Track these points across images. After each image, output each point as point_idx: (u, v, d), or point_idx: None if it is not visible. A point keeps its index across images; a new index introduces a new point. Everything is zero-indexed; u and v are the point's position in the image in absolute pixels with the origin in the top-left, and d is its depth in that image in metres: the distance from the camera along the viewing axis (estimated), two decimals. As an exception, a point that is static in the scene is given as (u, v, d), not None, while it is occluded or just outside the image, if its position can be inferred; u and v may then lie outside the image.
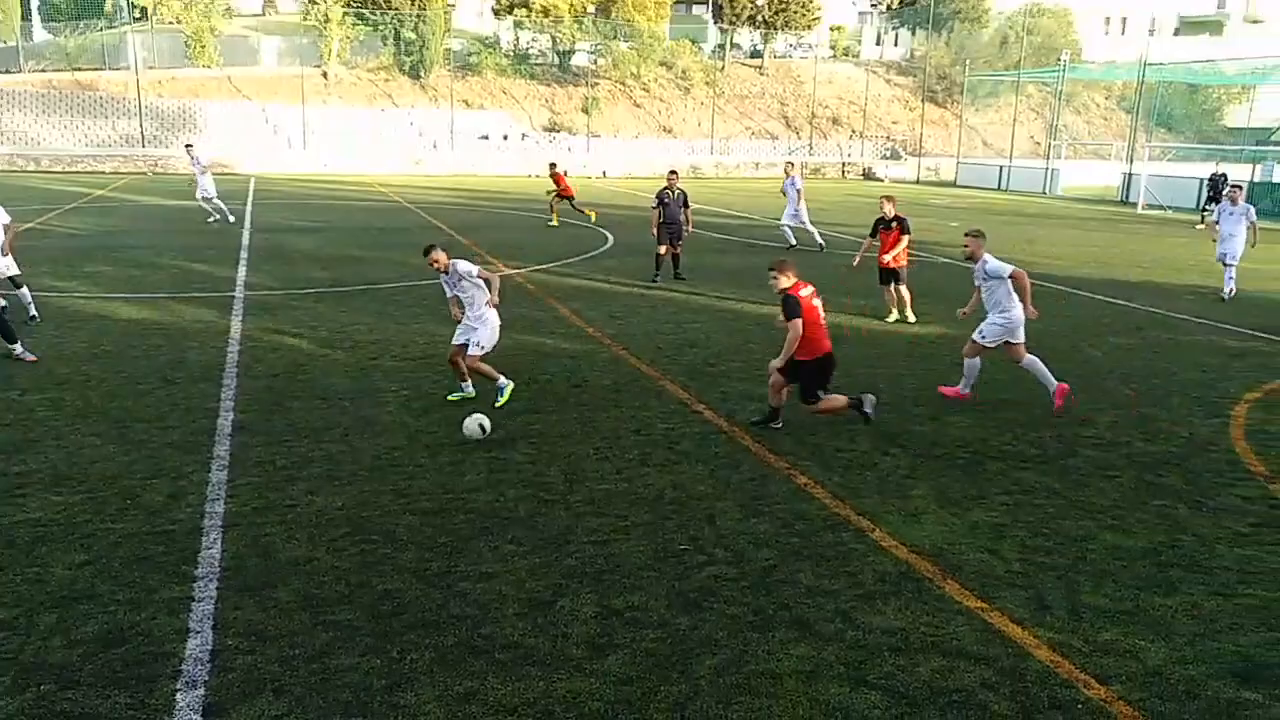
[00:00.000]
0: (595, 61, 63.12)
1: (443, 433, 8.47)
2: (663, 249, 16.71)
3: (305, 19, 56.64)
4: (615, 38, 62.60)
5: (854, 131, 62.95)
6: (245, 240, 20.86)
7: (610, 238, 22.91)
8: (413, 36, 56.17)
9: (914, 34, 74.65)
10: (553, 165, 26.46)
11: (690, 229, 17.43)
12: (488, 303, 9.05)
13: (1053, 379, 9.43)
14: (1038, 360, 9.55)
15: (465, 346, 9.10)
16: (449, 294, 9.32)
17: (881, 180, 54.30)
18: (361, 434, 8.41)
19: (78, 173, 41.01)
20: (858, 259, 14.45)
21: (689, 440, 8.47)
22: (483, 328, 9.11)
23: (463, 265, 9.05)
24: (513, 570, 5.93)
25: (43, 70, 53.44)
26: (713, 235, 23.73)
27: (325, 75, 54.96)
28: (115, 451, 7.85)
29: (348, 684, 4.71)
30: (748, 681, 4.78)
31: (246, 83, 53.03)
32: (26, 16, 62.29)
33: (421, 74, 57.13)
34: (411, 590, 5.65)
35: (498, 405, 9.10)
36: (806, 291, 8.34)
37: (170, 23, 55.70)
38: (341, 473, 7.48)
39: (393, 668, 4.86)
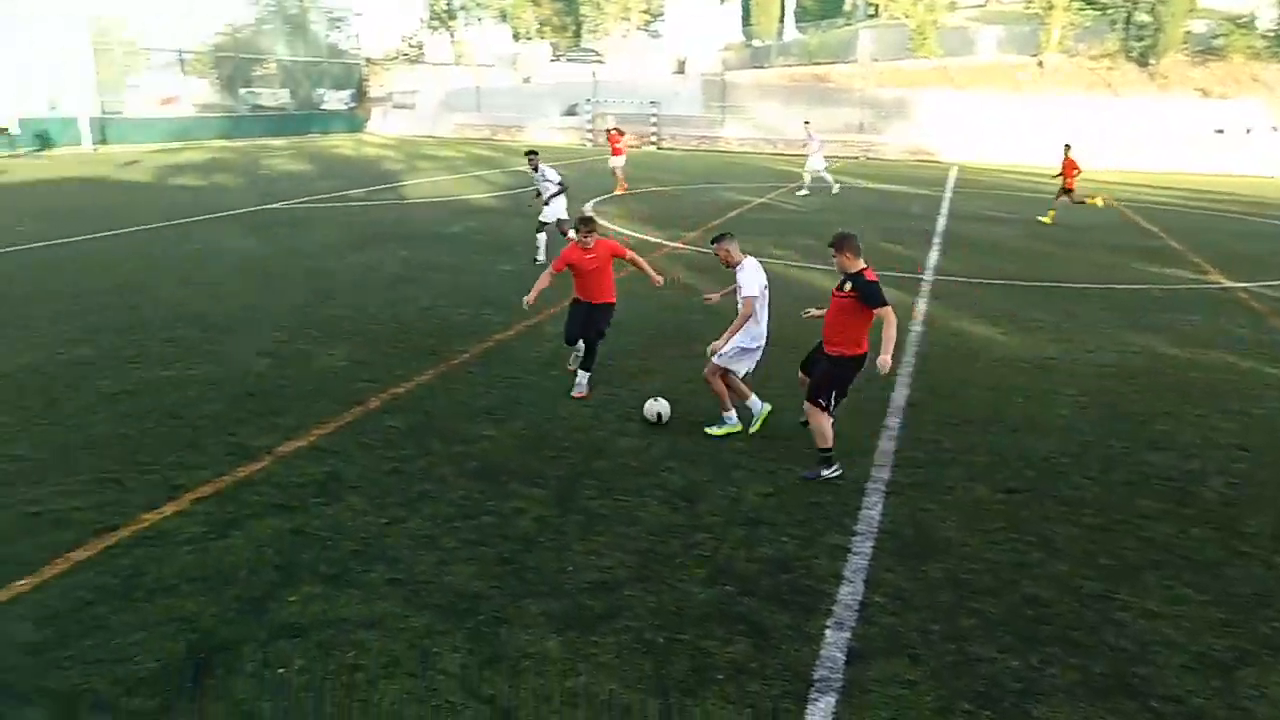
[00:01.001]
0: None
1: (1118, 448, 7.82)
2: None
3: (1028, 6, 55.64)
4: None
5: None
6: (940, 226, 21.47)
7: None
8: (1147, 19, 51.54)
9: None
10: (1068, 148, 23.11)
11: None
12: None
13: None
14: None
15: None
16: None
17: None
18: (1030, 432, 8.17)
19: (805, 155, 46.29)
20: None
21: None
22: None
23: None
24: (1186, 617, 5.28)
25: (788, 65, 61.03)
26: None
27: (1041, 64, 53.44)
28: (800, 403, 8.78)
29: (981, 675, 4.70)
30: None
31: (961, 73, 54.13)
32: (782, 18, 71.50)
33: (1151, 60, 52.22)
34: (1062, 603, 5.39)
35: (711, 432, 7.97)
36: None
37: (898, 18, 59.24)
38: (1005, 467, 7.38)
39: (1030, 674, 4.71)
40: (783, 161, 41.25)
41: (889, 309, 6.75)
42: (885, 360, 6.50)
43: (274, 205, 21.61)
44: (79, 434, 7.47)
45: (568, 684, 4.56)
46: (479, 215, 21.05)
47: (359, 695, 4.42)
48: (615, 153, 26.16)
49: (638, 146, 46.90)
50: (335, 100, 53.24)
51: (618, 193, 25.60)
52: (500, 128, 50.43)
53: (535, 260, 15.05)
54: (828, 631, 5.05)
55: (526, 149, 16.74)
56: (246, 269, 14.17)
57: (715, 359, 7.75)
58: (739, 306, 7.63)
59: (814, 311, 7.78)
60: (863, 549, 5.98)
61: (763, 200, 25.73)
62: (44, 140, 34.57)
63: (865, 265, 6.95)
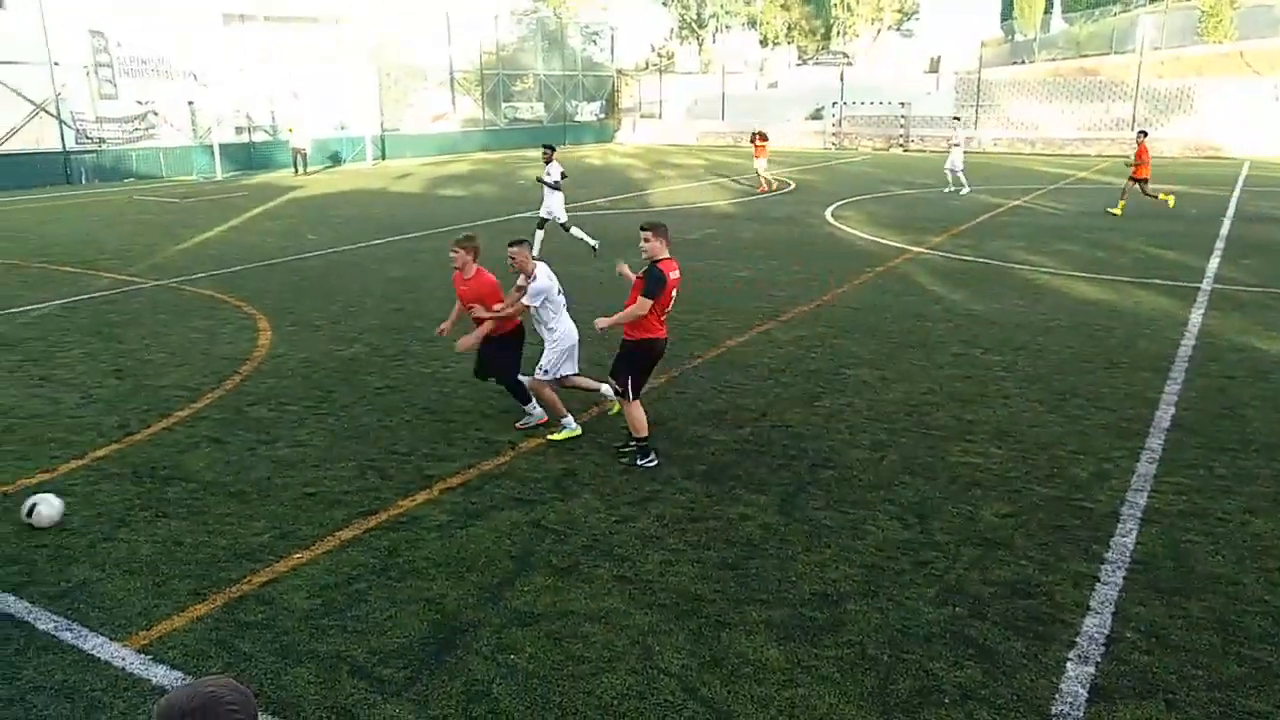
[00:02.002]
0: None
1: None
2: None
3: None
4: None
5: None
6: (1224, 230, 19.36)
7: None
8: None
9: None
10: (1142, 135, 21.08)
11: None
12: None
13: None
14: None
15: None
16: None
17: None
18: (1325, 462, 7.20)
19: (1065, 155, 43.14)
20: None
21: None
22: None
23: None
24: None
25: (1052, 59, 57.14)
26: None
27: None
28: (1051, 420, 8.22)
29: (1252, 731, 4.20)
30: None
31: (1259, 57, 48.43)
32: (1048, 10, 67.06)
33: None
34: (1357, 659, 4.71)
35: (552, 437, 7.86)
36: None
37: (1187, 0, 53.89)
38: (1291, 499, 6.55)
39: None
40: (1040, 162, 38.77)
41: (649, 303, 7.01)
42: (601, 322, 7.18)
43: (526, 214, 22.92)
44: (349, 424, 8.26)
45: (787, 694, 4.52)
46: (718, 221, 21.30)
47: (583, 686, 4.60)
48: (757, 156, 27.26)
49: (885, 149, 45.66)
50: (587, 112, 55.64)
51: (760, 192, 26.76)
52: (745, 133, 50.77)
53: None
54: (1069, 664, 4.70)
55: (544, 143, 17.91)
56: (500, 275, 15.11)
57: (539, 374, 7.80)
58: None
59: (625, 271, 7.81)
60: (1113, 579, 5.51)
61: (1017, 203, 24.28)
62: (334, 158, 38.54)
63: (670, 258, 7.14)
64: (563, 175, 16.83)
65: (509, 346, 8.10)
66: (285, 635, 5.04)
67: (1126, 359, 10.09)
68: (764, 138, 27.58)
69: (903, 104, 45.25)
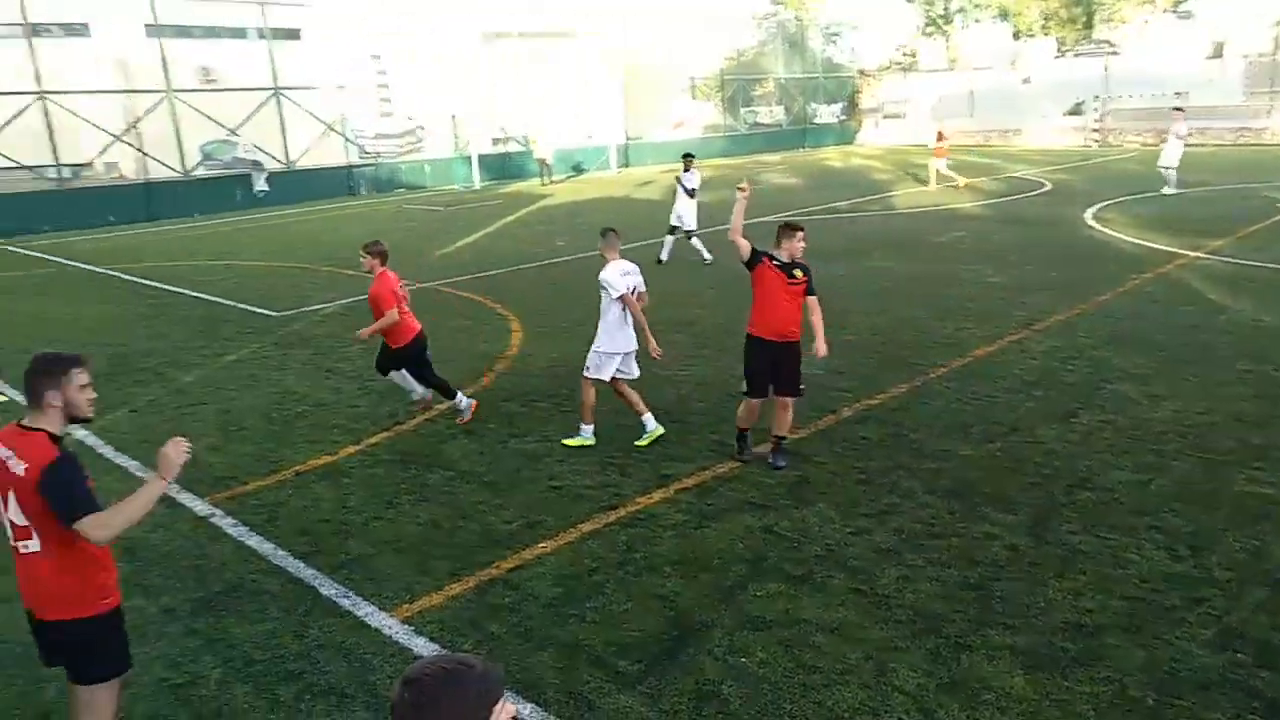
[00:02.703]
0: None
1: None
2: None
3: None
4: None
5: None
6: None
7: None
8: None
9: None
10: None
11: None
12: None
13: None
14: None
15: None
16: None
17: None
18: None
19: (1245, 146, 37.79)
20: None
21: None
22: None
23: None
24: None
25: (1367, 35, 50.14)
26: None
27: None
28: None
29: None
30: None
31: None
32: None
33: None
34: None
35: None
36: None
37: None
38: None
39: None
40: (1351, 152, 34.13)
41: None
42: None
43: (763, 219, 22.90)
44: (595, 423, 8.58)
45: (1033, 727, 4.26)
46: (967, 224, 20.34)
47: (814, 697, 4.54)
48: (937, 154, 27.23)
49: (1156, 145, 41.85)
50: (827, 114, 54.79)
51: (930, 189, 26.90)
52: (993, 132, 48.17)
53: (659, 260, 16.37)
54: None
55: (684, 152, 17.89)
56: (737, 279, 15.15)
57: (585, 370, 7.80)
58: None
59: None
60: None
61: (1319, 200, 21.50)
62: (576, 168, 40.21)
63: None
64: (698, 184, 16.98)
65: (400, 348, 8.53)
66: (529, 620, 5.32)
67: None
68: (942, 136, 27.62)
69: (1177, 94, 41.24)
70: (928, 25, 69.04)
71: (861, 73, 58.28)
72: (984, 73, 54.09)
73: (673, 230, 17.05)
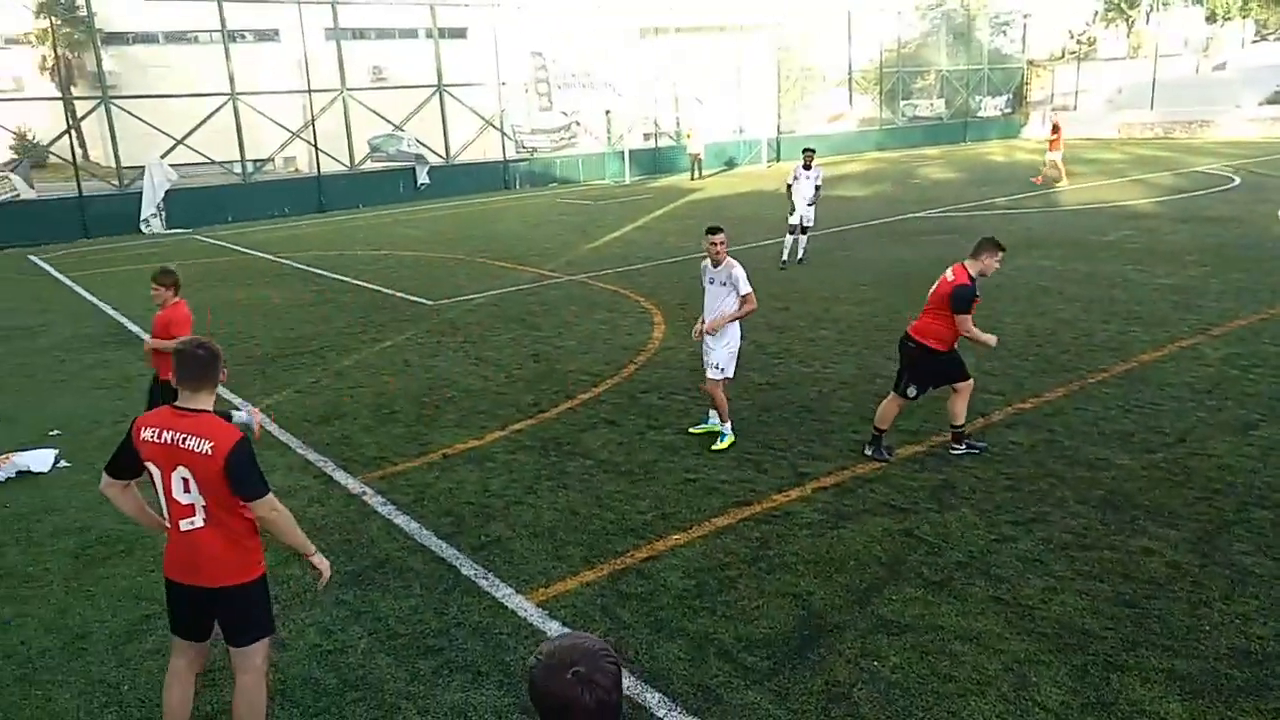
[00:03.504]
0: None
1: None
2: None
3: None
4: None
5: None
6: None
7: None
8: None
9: None
10: None
11: None
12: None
13: None
14: None
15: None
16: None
17: None
18: None
19: None
20: None
21: None
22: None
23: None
24: None
25: None
26: None
27: None
28: None
29: None
30: None
31: None
32: None
33: None
34: None
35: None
36: None
37: None
38: None
39: None
40: None
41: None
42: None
43: (919, 214, 22.23)
44: (734, 418, 8.56)
45: (1188, 758, 3.99)
46: (1138, 222, 19.13)
47: (948, 706, 4.40)
48: (1052, 147, 26.69)
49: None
50: (991, 106, 52.55)
51: (1036, 181, 26.71)
52: (1178, 124, 45.03)
53: (781, 265, 15.95)
54: None
55: (804, 147, 17.62)
56: (888, 276, 14.79)
57: (714, 373, 7.68)
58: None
59: None
60: None
61: None
62: (728, 162, 40.06)
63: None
64: (820, 181, 16.58)
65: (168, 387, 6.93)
66: (661, 610, 5.37)
67: None
68: (1057, 129, 27.32)
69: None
70: (1109, 10, 65.17)
71: (1031, 63, 55.58)
72: (1170, 60, 50.63)
73: (793, 230, 16.61)
